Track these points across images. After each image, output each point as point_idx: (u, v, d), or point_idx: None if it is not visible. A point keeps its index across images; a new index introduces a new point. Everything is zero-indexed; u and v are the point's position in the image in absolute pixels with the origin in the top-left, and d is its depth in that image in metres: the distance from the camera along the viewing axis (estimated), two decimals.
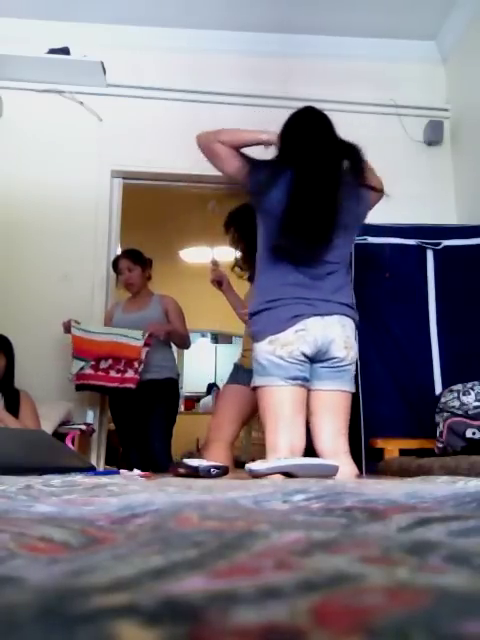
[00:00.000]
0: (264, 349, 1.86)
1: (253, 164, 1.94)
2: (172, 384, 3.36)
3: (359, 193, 1.99)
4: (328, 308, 1.89)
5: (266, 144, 1.99)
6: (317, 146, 1.95)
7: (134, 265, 3.39)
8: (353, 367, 1.97)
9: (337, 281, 1.95)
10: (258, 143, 1.99)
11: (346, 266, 2.04)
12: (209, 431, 2.53)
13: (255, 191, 1.93)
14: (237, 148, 1.96)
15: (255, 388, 1.93)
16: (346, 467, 1.84)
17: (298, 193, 1.88)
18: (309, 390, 1.92)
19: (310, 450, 1.90)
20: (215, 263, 2.85)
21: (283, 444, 1.83)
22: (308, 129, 1.99)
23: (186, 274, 6.04)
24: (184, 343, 3.52)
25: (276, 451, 1.82)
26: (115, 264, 3.45)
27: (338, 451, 1.90)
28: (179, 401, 3.52)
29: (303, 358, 1.86)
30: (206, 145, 1.99)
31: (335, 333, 1.88)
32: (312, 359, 1.89)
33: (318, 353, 1.88)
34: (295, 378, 1.86)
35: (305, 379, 1.89)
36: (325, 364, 1.90)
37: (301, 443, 1.88)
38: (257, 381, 1.91)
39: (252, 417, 2.54)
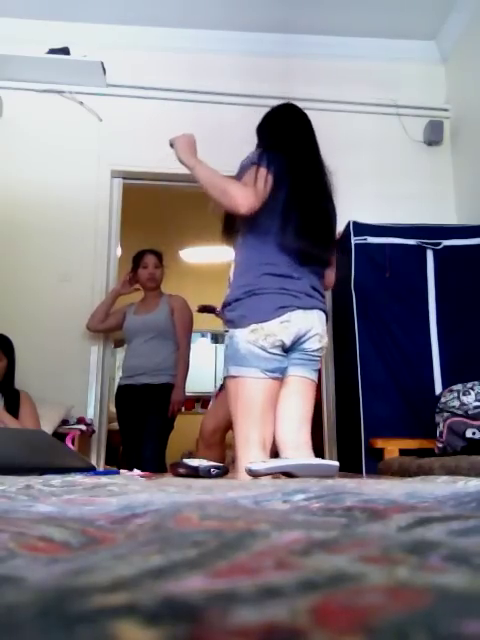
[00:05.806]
0: (245, 337, 1.82)
1: (270, 164, 1.89)
2: (169, 389, 3.23)
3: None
4: (311, 302, 1.90)
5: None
6: (309, 144, 2.03)
7: (160, 264, 3.47)
8: (321, 359, 2.00)
9: (317, 275, 1.97)
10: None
11: None
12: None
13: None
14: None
15: (228, 377, 1.88)
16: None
17: (307, 194, 1.92)
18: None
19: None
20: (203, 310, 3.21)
21: (255, 437, 1.81)
22: (296, 126, 2.06)
23: (186, 274, 6.05)
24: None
25: (249, 444, 1.80)
26: (138, 258, 3.45)
27: (300, 444, 1.88)
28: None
29: (282, 350, 1.84)
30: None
31: (314, 327, 1.89)
32: (288, 349, 1.87)
33: (294, 343, 1.87)
34: (273, 370, 1.83)
35: (282, 371, 1.87)
36: (297, 354, 1.90)
37: (271, 438, 1.86)
38: (233, 370, 1.86)
39: None
